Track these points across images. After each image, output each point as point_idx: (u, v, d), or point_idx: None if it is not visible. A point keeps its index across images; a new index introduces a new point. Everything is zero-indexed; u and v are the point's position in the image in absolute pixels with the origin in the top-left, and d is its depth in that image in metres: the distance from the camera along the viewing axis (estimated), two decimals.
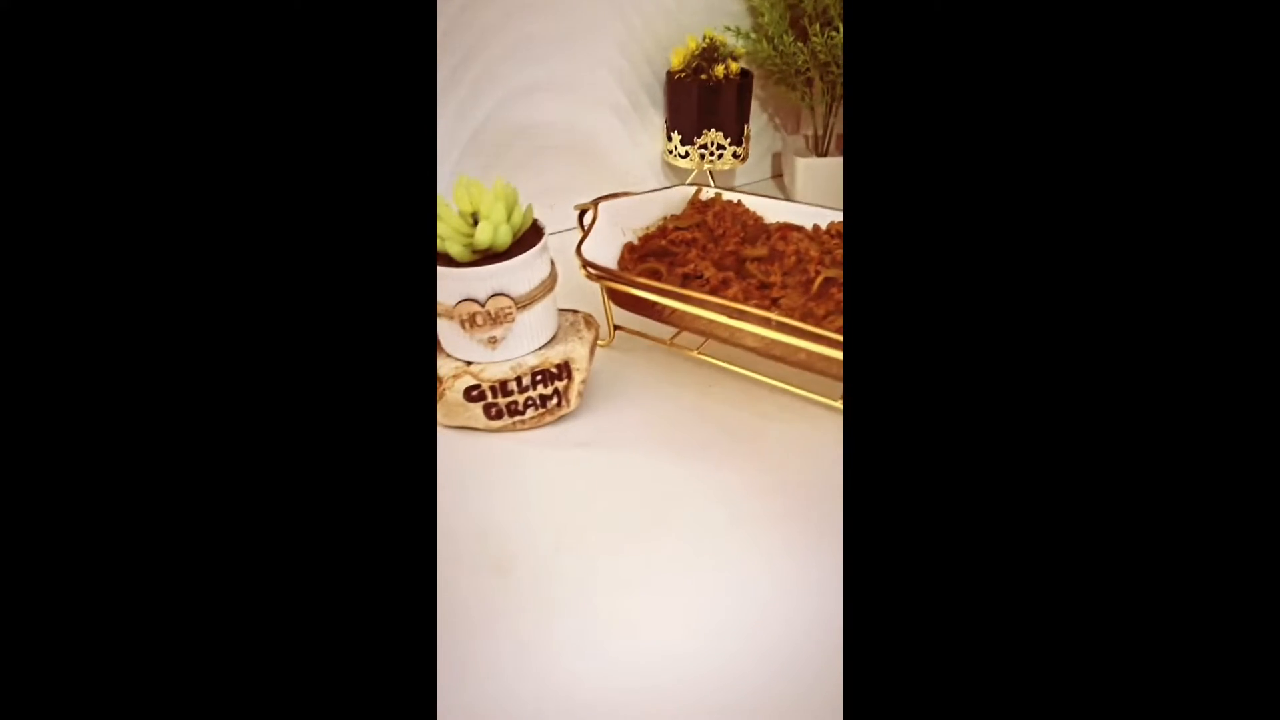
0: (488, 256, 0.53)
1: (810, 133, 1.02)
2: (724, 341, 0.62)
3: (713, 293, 0.60)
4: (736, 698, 0.39)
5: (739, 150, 0.91)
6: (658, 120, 0.94)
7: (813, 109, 0.96)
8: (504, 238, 0.52)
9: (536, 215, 0.57)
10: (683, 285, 0.60)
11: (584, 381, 0.59)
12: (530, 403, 0.58)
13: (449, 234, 0.51)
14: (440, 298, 0.53)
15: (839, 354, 0.52)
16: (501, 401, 0.57)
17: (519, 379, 0.57)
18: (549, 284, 0.56)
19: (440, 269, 0.51)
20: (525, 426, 0.59)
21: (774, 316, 0.53)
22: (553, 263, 0.58)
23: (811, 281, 0.60)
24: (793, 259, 0.62)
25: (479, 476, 0.55)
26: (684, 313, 0.59)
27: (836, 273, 0.59)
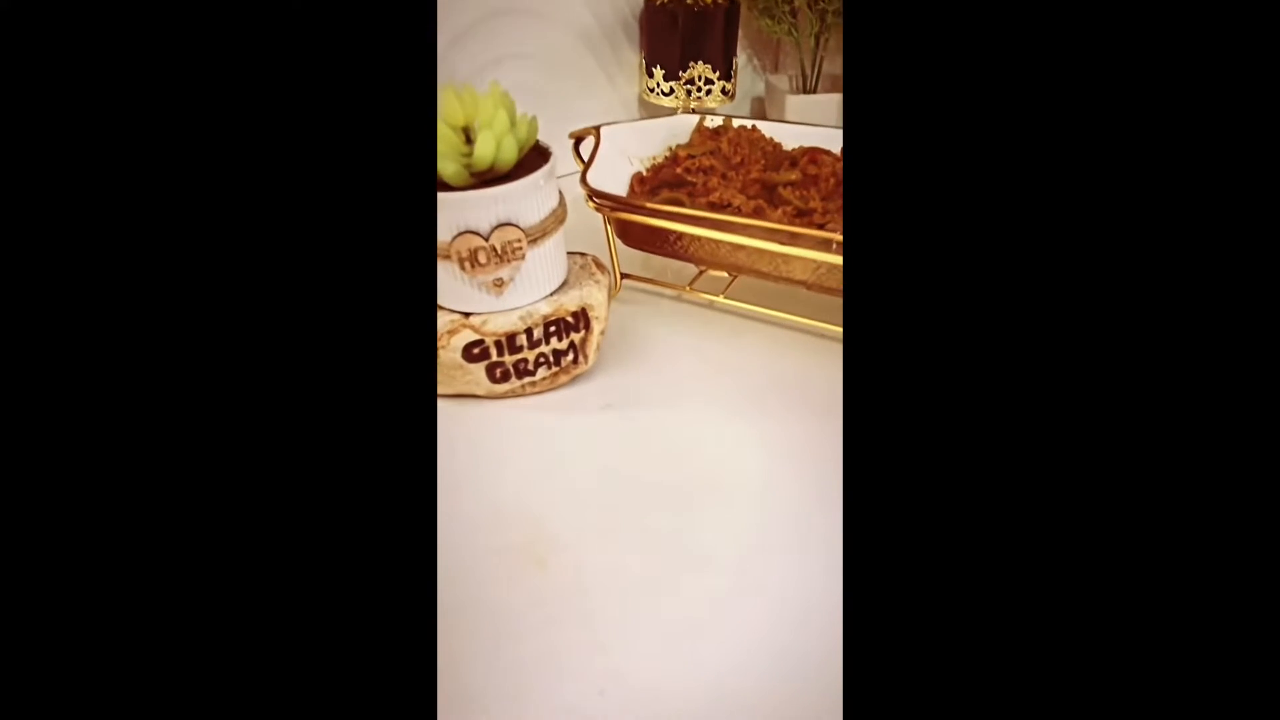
0: (488, 179, 0.43)
1: (795, 72, 0.94)
2: (763, 277, 0.53)
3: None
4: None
5: (728, 85, 0.83)
6: (633, 58, 0.85)
7: (799, 43, 0.89)
8: (509, 153, 0.42)
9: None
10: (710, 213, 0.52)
11: (603, 333, 0.50)
12: (542, 360, 0.49)
13: (442, 150, 0.41)
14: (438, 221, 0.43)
15: None
16: (509, 360, 0.48)
17: (529, 331, 0.47)
18: (560, 214, 0.47)
19: (439, 196, 0.41)
20: (536, 390, 0.50)
21: (835, 237, 0.45)
22: (560, 191, 0.48)
23: None
24: (831, 182, 0.55)
25: (491, 455, 0.45)
26: (713, 247, 0.51)
27: None
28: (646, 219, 0.51)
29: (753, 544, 0.38)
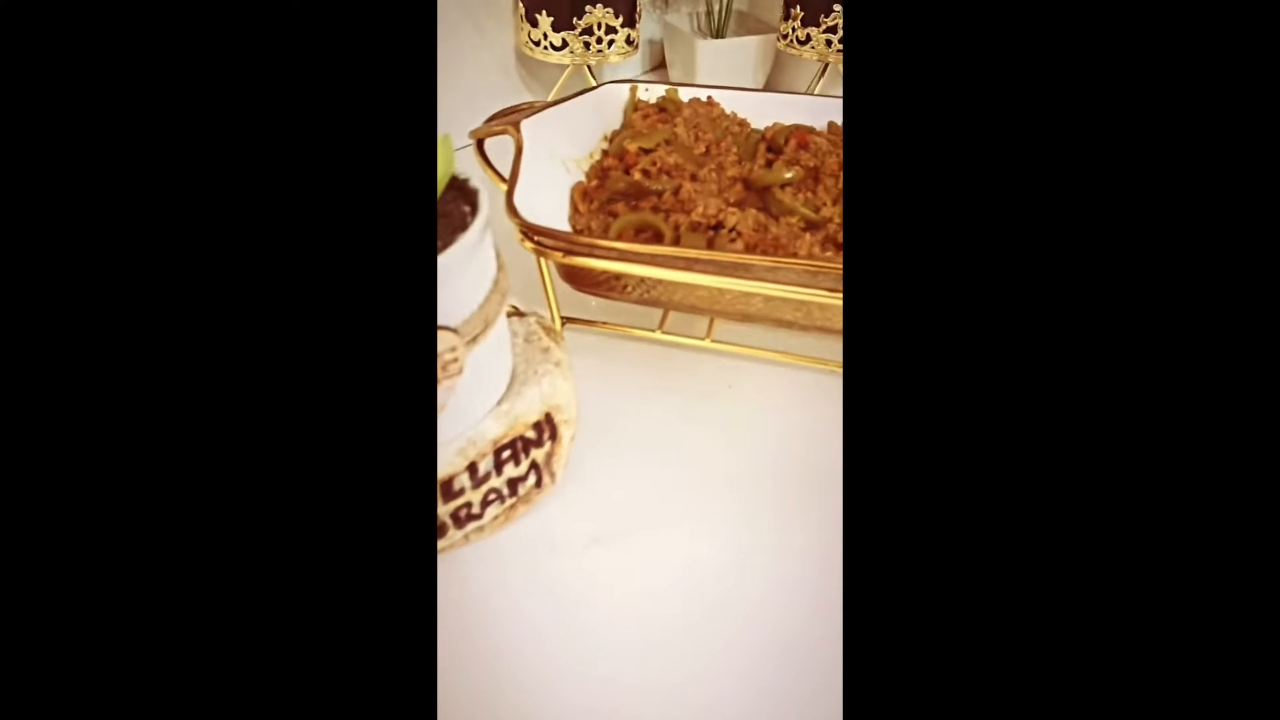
0: None
1: (694, 8, 0.78)
2: (785, 327, 0.39)
3: (750, 249, 0.37)
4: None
5: (632, 34, 0.66)
6: (489, 9, 0.66)
7: None
8: None
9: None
10: (707, 246, 0.37)
11: (574, 438, 0.34)
12: (492, 496, 0.32)
13: None
14: None
15: None
16: (443, 511, 0.31)
17: (473, 466, 0.30)
18: (502, 285, 0.30)
19: None
20: (481, 536, 0.34)
21: None
22: (497, 256, 0.31)
23: None
24: (835, 179, 0.41)
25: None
26: (712, 294, 0.36)
27: None
28: (612, 264, 0.35)
29: None
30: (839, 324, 0.36)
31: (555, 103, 0.44)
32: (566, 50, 0.64)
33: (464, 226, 0.27)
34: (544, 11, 0.62)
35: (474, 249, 0.27)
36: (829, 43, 0.65)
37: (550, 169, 0.40)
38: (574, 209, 0.40)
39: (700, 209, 0.38)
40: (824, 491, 0.36)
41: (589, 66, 0.67)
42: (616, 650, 0.29)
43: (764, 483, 0.36)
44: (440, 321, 0.26)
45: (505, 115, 0.42)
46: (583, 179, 0.42)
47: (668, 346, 0.43)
